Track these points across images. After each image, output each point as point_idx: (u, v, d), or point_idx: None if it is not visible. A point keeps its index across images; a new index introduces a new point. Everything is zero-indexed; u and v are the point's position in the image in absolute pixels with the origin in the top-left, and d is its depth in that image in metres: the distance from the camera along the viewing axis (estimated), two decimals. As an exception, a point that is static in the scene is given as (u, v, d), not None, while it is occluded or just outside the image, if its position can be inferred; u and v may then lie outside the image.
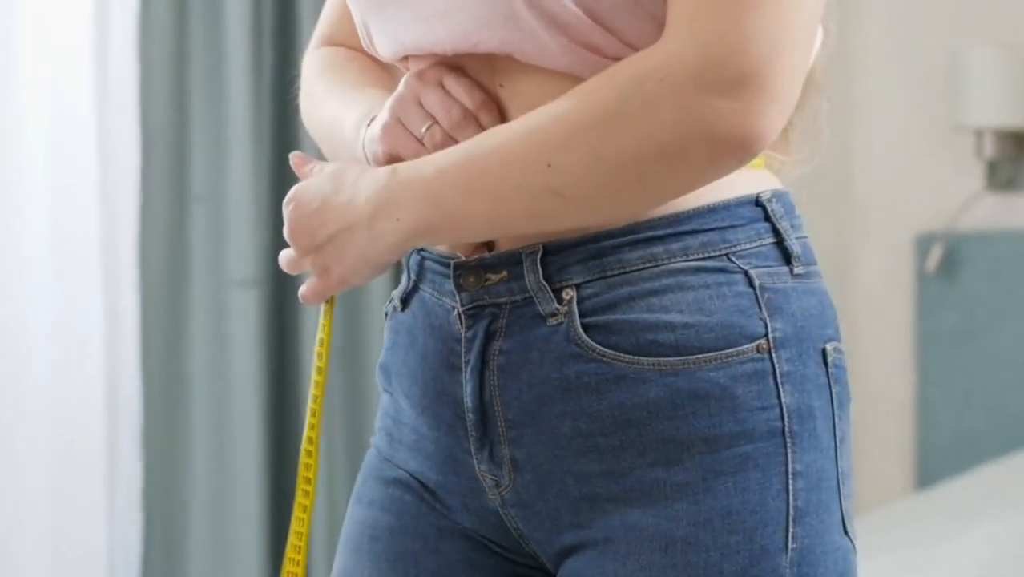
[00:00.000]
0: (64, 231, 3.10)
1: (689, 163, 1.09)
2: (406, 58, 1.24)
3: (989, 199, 3.86)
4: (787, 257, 1.18)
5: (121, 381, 3.22)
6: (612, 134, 1.09)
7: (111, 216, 3.18)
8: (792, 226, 1.20)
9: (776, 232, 1.18)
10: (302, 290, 1.26)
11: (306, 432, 1.28)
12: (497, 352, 1.18)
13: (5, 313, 3.05)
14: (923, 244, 3.88)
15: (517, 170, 1.11)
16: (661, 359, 1.14)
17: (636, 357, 1.14)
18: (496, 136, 1.14)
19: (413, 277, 1.27)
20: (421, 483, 1.27)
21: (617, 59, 1.12)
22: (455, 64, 1.20)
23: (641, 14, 1.12)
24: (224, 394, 3.27)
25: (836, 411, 1.18)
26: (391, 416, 1.30)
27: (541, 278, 1.17)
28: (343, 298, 2.93)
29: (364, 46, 1.28)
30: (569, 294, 1.16)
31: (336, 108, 1.31)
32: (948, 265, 3.84)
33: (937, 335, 3.85)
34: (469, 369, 1.20)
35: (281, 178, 3.31)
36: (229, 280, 3.26)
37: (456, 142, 1.17)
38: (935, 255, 3.83)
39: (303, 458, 1.28)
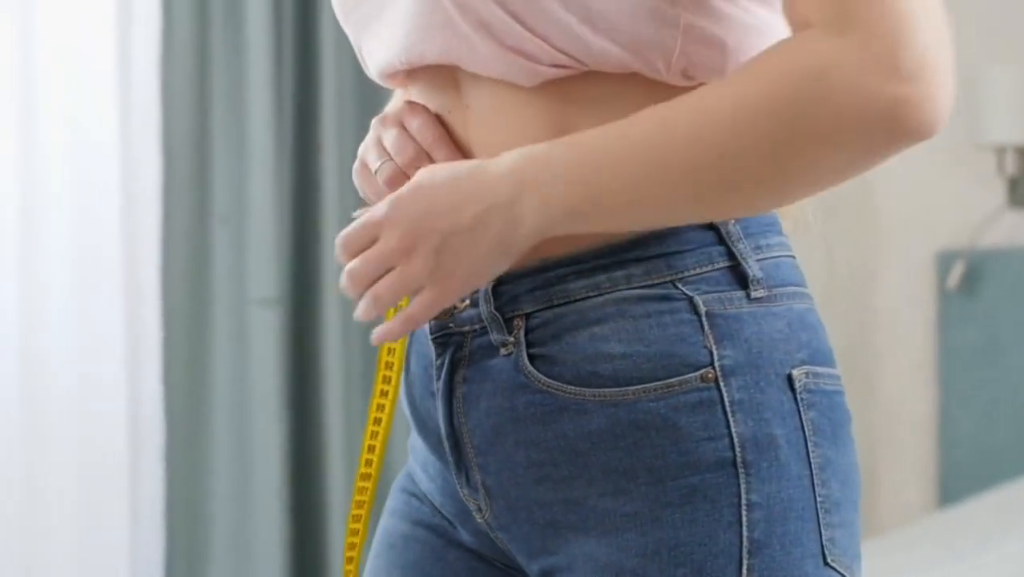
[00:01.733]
0: (87, 250, 3.11)
1: (862, 150, 1.09)
2: (408, 77, 1.25)
3: (1010, 216, 3.85)
4: (743, 281, 1.15)
5: (144, 398, 3.23)
6: (786, 127, 1.06)
7: (133, 235, 3.19)
8: (756, 247, 1.16)
9: (731, 255, 1.15)
10: (408, 311, 1.14)
11: (361, 464, 1.31)
12: (461, 380, 1.19)
13: (29, 330, 3.06)
14: (944, 261, 3.88)
15: (689, 154, 1.08)
16: (601, 390, 1.13)
17: (578, 388, 1.14)
18: (665, 122, 1.09)
19: None
20: (431, 501, 1.29)
21: (553, 66, 1.12)
22: (427, 101, 1.21)
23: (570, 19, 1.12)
24: (245, 411, 3.28)
25: (810, 438, 1.14)
26: (413, 433, 1.33)
27: (492, 308, 1.17)
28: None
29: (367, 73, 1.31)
30: (519, 324, 1.16)
31: None
32: (969, 282, 3.83)
33: (959, 352, 3.84)
34: (440, 396, 1.21)
35: (302, 198, 3.31)
36: (250, 299, 3.27)
37: (408, 178, 1.17)
38: (956, 272, 3.82)
39: (356, 496, 1.31)
